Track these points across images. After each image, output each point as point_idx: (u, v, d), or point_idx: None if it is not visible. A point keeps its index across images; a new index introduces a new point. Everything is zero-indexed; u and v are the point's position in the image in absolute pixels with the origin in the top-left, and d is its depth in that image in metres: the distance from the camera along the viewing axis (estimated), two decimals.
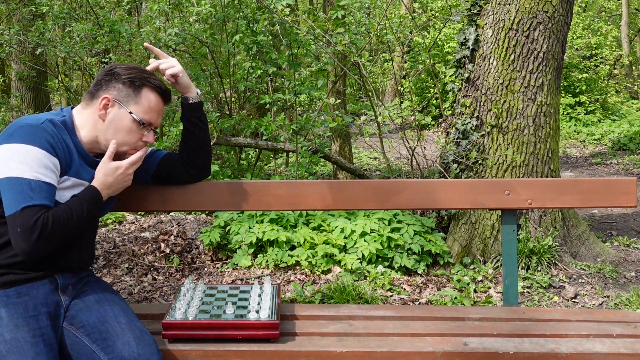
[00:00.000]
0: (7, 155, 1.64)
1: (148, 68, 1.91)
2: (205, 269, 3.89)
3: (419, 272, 3.80)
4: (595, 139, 10.13)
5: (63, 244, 1.70)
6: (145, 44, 2.08)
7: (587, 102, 11.73)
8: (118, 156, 1.85)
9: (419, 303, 3.43)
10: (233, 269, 3.86)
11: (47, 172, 1.65)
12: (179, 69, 1.93)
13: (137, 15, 7.36)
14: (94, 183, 1.78)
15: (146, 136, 1.86)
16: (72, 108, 1.85)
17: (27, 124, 1.68)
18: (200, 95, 2.01)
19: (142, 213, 4.82)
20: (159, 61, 1.95)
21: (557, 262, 3.95)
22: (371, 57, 4.96)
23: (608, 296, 3.56)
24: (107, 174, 1.79)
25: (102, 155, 1.85)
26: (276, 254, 3.84)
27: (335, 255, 3.80)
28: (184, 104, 2.00)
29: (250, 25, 4.99)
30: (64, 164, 1.72)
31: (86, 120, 1.80)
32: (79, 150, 1.78)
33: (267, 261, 3.84)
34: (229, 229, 4.10)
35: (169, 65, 1.93)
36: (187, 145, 2.01)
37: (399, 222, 4.00)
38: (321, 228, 4.06)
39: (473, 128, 4.14)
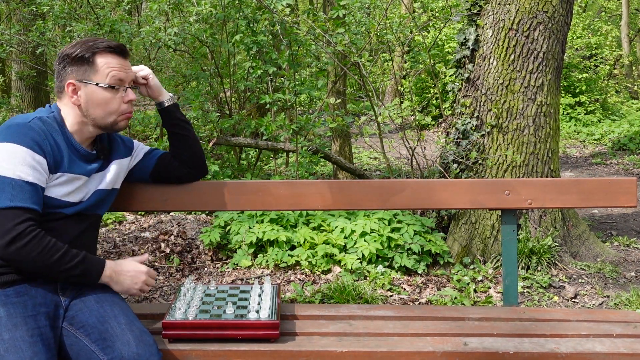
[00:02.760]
0: None
1: None
2: (206, 268, 3.89)
3: (419, 272, 3.80)
4: (595, 139, 10.13)
5: (29, 266, 1.65)
6: None
7: (587, 102, 11.73)
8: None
9: (419, 303, 3.43)
10: (233, 269, 3.86)
11: (31, 171, 1.65)
12: (148, 70, 1.99)
13: (137, 15, 7.36)
14: (109, 264, 1.78)
15: (126, 96, 1.84)
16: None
17: (15, 123, 1.70)
18: (173, 97, 2.05)
19: (142, 213, 4.82)
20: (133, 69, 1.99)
21: (557, 262, 3.95)
22: (371, 57, 4.96)
23: (608, 296, 3.56)
24: (124, 270, 1.81)
25: (93, 146, 1.86)
26: (276, 254, 3.84)
27: (335, 255, 3.80)
28: (160, 110, 2.04)
29: (251, 25, 4.99)
30: (53, 161, 1.72)
31: (68, 110, 1.81)
32: (70, 144, 1.78)
33: (267, 261, 3.84)
34: (229, 229, 4.10)
35: (139, 69, 1.99)
36: (177, 147, 2.05)
37: (399, 222, 4.01)
38: (321, 228, 4.06)
39: (473, 128, 4.14)
